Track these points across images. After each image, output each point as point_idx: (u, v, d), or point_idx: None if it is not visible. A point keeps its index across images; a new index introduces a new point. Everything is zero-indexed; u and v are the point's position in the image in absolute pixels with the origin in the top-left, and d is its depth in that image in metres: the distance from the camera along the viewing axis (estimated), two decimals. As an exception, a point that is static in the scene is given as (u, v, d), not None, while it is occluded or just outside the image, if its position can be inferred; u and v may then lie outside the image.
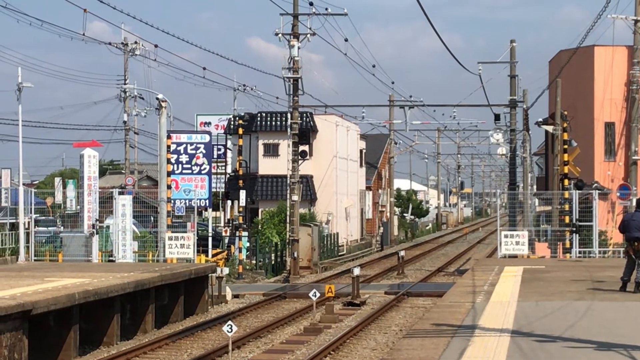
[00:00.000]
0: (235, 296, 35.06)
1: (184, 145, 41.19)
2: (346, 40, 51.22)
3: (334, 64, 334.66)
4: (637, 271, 22.32)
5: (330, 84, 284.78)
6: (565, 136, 41.66)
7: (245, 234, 46.92)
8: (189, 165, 41.24)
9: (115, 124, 75.21)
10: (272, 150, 62.46)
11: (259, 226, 54.86)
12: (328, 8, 47.27)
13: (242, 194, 46.57)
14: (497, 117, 58.33)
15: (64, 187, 63.08)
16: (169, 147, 39.93)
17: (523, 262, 34.99)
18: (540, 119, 52.14)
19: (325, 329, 26.57)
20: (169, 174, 39.58)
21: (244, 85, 68.28)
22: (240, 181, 47.31)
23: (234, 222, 47.90)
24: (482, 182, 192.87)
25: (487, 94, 76.72)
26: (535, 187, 68.96)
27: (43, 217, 49.88)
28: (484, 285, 24.67)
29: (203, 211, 52.46)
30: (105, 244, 37.47)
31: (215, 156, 54.57)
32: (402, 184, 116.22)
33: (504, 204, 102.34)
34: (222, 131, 67.68)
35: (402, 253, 47.36)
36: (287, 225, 47.99)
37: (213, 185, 47.24)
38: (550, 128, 46.07)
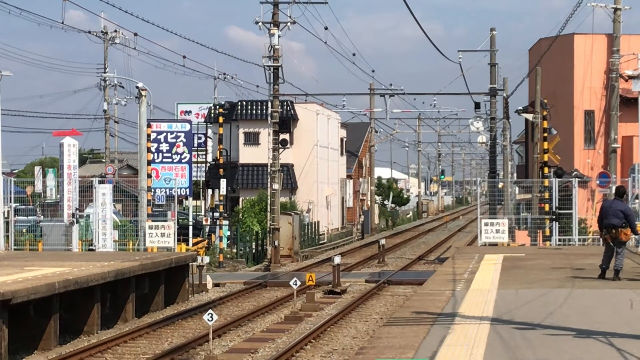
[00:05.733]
0: (216, 285, 35.05)
1: (164, 134, 41.14)
2: (326, 28, 51.19)
3: (315, 52, 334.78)
4: (616, 259, 22.44)
5: (310, 72, 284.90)
6: (545, 124, 41.77)
7: (226, 222, 46.90)
8: (169, 154, 41.20)
9: (95, 112, 75.06)
10: (252, 139, 62.35)
11: (240, 215, 54.82)
12: (308, -4, 47.18)
13: (223, 182, 46.56)
14: (477, 106, 58.51)
15: (44, 176, 62.90)
16: (149, 135, 39.84)
17: (503, 250, 35.10)
18: (520, 107, 52.25)
19: (306, 317, 26.60)
20: (149, 162, 39.50)
21: (225, 73, 67.95)
22: (221, 170, 47.30)
23: (212, 209, 47.90)
24: (462, 170, 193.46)
25: (467, 83, 77.15)
26: (515, 175, 69.23)
27: (23, 206, 49.72)
28: (464, 274, 24.73)
29: (183, 200, 52.42)
30: (85, 233, 37.39)
31: (195, 145, 54.52)
32: (382, 172, 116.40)
33: (484, 192, 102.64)
34: (203, 120, 67.53)
35: (382, 241, 47.41)
36: (268, 213, 47.97)
37: (193, 174, 47.25)
38: (530, 116, 46.18)
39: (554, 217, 38.45)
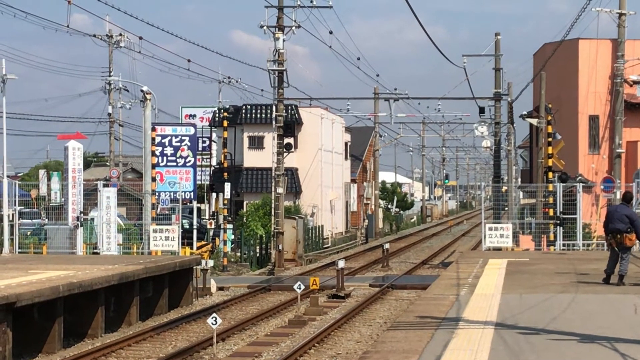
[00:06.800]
0: (220, 288, 35.06)
1: (169, 138, 41.18)
2: (331, 32, 51.31)
3: (319, 56, 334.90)
4: (620, 264, 22.42)
5: (315, 76, 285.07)
6: (550, 129, 41.74)
7: (230, 226, 46.91)
8: (173, 158, 41.24)
9: (99, 116, 75.16)
10: (257, 143, 62.41)
11: (244, 219, 54.83)
12: (313, 0, 47.24)
13: (227, 186, 46.54)
14: (481, 110, 58.58)
15: (49, 179, 62.90)
16: (153, 139, 39.86)
17: (507, 254, 35.06)
18: (525, 112, 52.25)
19: (309, 321, 26.60)
20: (153, 166, 39.51)
21: (229, 77, 68.20)
22: (225, 174, 47.28)
23: (215, 213, 47.90)
24: (466, 174, 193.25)
25: (471, 87, 77.21)
26: (519, 179, 69.16)
27: (27, 210, 49.74)
28: (468, 278, 24.71)
29: (188, 203, 52.41)
30: (89, 236, 37.38)
31: (200, 149, 54.55)
32: (387, 176, 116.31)
33: (488, 197, 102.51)
34: (207, 124, 67.60)
35: (386, 246, 47.41)
36: (272, 217, 47.98)
37: (198, 177, 47.25)
38: (534, 121, 46.16)
39: (558, 222, 38.41)
